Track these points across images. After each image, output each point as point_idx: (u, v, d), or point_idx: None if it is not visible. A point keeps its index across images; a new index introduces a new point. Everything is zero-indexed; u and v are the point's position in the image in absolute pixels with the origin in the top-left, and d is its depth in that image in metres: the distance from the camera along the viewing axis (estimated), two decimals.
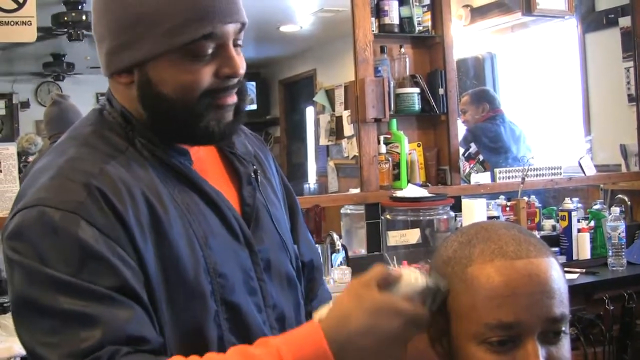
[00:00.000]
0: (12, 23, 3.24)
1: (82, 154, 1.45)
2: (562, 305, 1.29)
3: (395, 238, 3.65)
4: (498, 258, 1.30)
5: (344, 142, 5.04)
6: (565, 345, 1.32)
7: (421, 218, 3.66)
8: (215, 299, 1.47)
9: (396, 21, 4.15)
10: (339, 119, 5.29)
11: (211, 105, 1.47)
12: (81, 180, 1.38)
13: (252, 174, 1.67)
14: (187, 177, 1.52)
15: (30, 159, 6.65)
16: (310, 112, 7.66)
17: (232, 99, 1.50)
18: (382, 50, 4.17)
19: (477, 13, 5.54)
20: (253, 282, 1.56)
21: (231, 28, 1.45)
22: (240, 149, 1.69)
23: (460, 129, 4.60)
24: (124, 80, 1.49)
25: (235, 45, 1.48)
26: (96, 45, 1.52)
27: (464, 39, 5.53)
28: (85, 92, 8.36)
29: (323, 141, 6.33)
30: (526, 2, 4.49)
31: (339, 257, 3.64)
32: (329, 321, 1.29)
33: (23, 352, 2.71)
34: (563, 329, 1.30)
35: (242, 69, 1.48)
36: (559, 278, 1.31)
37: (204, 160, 1.61)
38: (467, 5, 5.53)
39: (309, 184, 7.08)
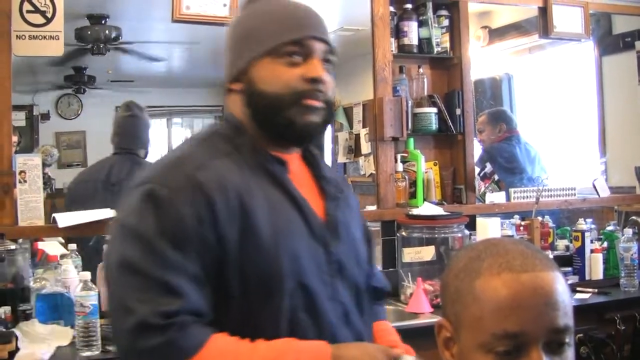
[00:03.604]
0: (40, 37, 3.31)
1: (196, 151, 1.77)
2: (566, 317, 1.34)
3: (410, 255, 3.68)
4: (505, 271, 1.35)
5: (361, 159, 5.09)
6: (569, 356, 1.36)
7: (436, 236, 3.68)
8: (293, 279, 1.72)
9: (415, 42, 4.20)
10: (357, 137, 5.34)
11: (298, 103, 1.76)
12: (187, 170, 1.67)
13: (336, 193, 1.94)
14: (279, 181, 1.79)
15: (47, 170, 6.67)
16: (328, 129, 7.70)
17: (317, 102, 1.78)
18: (401, 70, 4.22)
19: (495, 34, 5.57)
20: (324, 275, 1.80)
21: (316, 43, 1.79)
22: (327, 173, 1.96)
23: (476, 149, 4.63)
24: (237, 87, 1.83)
25: (325, 62, 1.80)
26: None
27: (482, 59, 5.55)
28: (105, 106, 8.39)
29: (341, 158, 6.35)
30: (544, 25, 4.54)
31: None
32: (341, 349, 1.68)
33: (45, 357, 2.79)
34: (567, 340, 1.34)
35: (325, 78, 1.78)
36: (563, 291, 1.36)
37: (297, 174, 1.88)
38: (485, 27, 5.56)
39: None
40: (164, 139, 8.65)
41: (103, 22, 5.69)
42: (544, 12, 4.51)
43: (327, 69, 1.81)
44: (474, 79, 5.17)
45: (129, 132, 4.40)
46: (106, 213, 3.46)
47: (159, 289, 1.57)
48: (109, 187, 4.15)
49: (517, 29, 5.42)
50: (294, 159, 1.89)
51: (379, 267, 4.09)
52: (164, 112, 8.59)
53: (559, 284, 1.36)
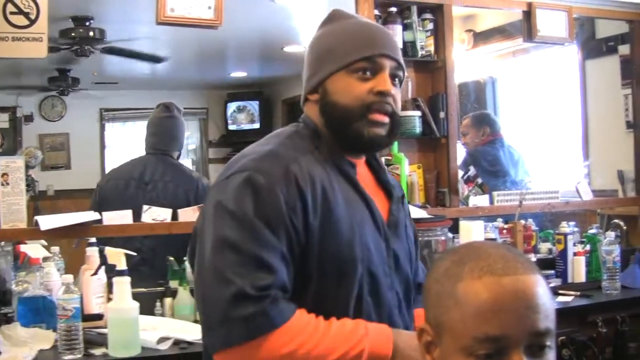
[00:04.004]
0: (23, 39, 3.29)
1: (285, 146, 1.93)
2: (547, 320, 1.34)
3: None
4: (486, 275, 1.35)
5: None
6: (550, 359, 1.36)
7: (419, 238, 3.67)
8: (363, 265, 1.92)
9: (400, 45, 4.18)
10: None
11: (365, 116, 1.94)
12: (282, 163, 1.86)
13: (400, 197, 2.19)
14: (352, 181, 2.00)
15: (30, 172, 6.66)
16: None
17: (384, 117, 1.96)
18: None
19: (480, 38, 5.59)
20: (385, 267, 2.01)
21: (386, 60, 1.97)
22: (391, 180, 2.20)
23: (460, 152, 4.64)
24: (314, 97, 2.03)
25: (392, 80, 1.98)
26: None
27: (467, 63, 5.58)
28: (89, 108, 8.42)
29: None
30: (528, 29, 4.55)
31: None
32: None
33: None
34: (548, 343, 1.34)
35: (392, 92, 1.96)
36: (544, 294, 1.36)
37: (364, 177, 2.09)
38: (470, 30, 5.58)
39: None
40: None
41: (87, 23, 5.67)
42: (528, 16, 4.52)
43: (395, 84, 1.99)
44: (458, 82, 5.18)
45: (167, 133, 4.41)
46: (90, 216, 3.46)
47: (255, 265, 1.75)
48: (142, 186, 4.22)
49: (501, 32, 5.44)
50: (360, 164, 2.10)
51: None
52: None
53: (541, 287, 1.36)
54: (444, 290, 1.40)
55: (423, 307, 1.50)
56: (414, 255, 2.20)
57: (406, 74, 2.07)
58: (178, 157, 4.47)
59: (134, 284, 3.33)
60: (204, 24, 3.61)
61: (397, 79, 2.00)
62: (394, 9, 4.18)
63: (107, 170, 8.36)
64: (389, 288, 2.01)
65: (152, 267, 3.84)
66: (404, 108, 4.19)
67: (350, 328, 1.84)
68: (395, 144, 4.11)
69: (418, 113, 4.23)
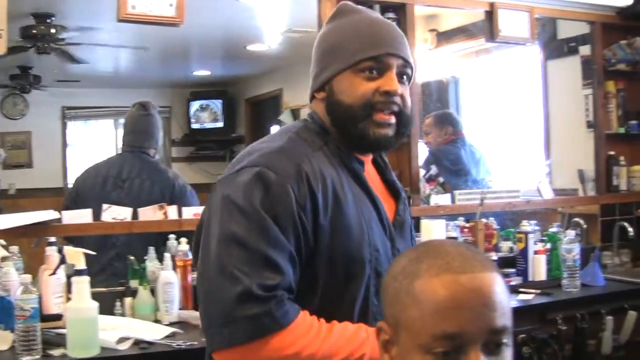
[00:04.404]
0: None
1: (295, 143, 1.91)
2: (504, 317, 1.35)
3: None
4: (444, 273, 1.35)
5: None
6: (507, 356, 1.37)
7: None
8: (371, 266, 1.91)
9: None
10: None
11: (370, 116, 1.92)
12: (294, 160, 1.84)
13: (406, 197, 2.17)
14: (360, 179, 1.98)
15: None
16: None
17: (390, 118, 1.94)
18: None
19: (443, 37, 5.61)
20: None
21: (393, 59, 1.94)
22: (394, 178, 2.18)
23: (422, 151, 4.65)
24: (320, 95, 2.01)
25: (400, 77, 1.96)
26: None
27: (430, 62, 5.60)
28: (51, 106, 8.33)
29: None
30: (490, 29, 4.58)
31: None
32: None
33: None
34: (505, 340, 1.35)
35: (400, 91, 1.94)
36: (502, 292, 1.37)
37: (370, 175, 2.07)
38: (433, 30, 5.60)
39: None
40: (110, 139, 8.59)
41: (49, 20, 5.61)
42: (490, 16, 4.54)
43: (403, 81, 1.97)
44: (421, 82, 5.22)
45: (144, 131, 4.45)
46: (49, 215, 3.43)
47: (263, 263, 1.73)
48: (119, 183, 4.24)
49: (464, 32, 5.47)
50: (368, 161, 2.09)
51: None
52: (111, 112, 8.54)
53: (498, 285, 1.37)
54: (401, 288, 1.40)
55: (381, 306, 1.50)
56: None
57: (413, 70, 2.01)
58: (154, 155, 4.50)
59: (108, 280, 3.33)
60: (166, 21, 3.59)
61: (405, 77, 1.98)
62: None
63: (69, 169, 8.32)
64: None
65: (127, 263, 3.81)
66: None
67: (352, 331, 1.83)
68: None
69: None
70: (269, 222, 1.75)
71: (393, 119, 1.95)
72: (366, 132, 1.93)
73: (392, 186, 2.15)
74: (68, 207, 3.83)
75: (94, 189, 4.19)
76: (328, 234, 1.84)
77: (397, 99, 1.94)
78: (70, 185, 7.72)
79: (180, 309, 3.51)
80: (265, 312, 1.70)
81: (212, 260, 1.77)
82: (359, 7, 2.07)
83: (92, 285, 3.01)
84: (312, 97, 2.06)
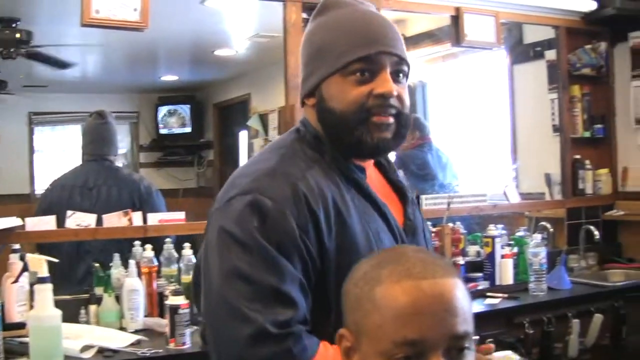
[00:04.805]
0: None
1: (288, 160, 1.77)
2: (465, 323, 1.34)
3: None
4: (405, 279, 1.34)
5: None
6: None
7: None
8: None
9: None
10: None
11: (366, 120, 1.75)
12: (289, 181, 1.69)
13: (414, 198, 2.00)
14: (362, 189, 1.83)
15: None
16: (243, 136, 7.68)
17: (388, 119, 1.77)
18: None
19: (410, 42, 5.61)
20: None
21: (386, 57, 1.76)
22: (403, 181, 2.01)
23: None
24: (310, 102, 1.84)
25: (396, 76, 1.78)
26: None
27: None
28: (17, 111, 8.27)
29: None
30: (455, 33, 4.58)
31: None
32: None
33: None
34: (466, 346, 1.34)
35: (396, 92, 1.76)
36: (463, 297, 1.36)
37: (373, 180, 1.91)
38: (401, 35, 5.60)
39: None
40: (78, 145, 8.53)
41: (13, 25, 5.56)
42: (456, 20, 4.55)
43: (399, 80, 1.79)
44: None
45: (105, 139, 4.49)
46: (12, 222, 3.39)
47: (272, 297, 1.59)
48: (86, 192, 4.26)
49: (430, 37, 5.49)
50: (369, 165, 1.92)
51: None
52: (79, 118, 8.47)
53: (459, 290, 1.36)
54: (362, 294, 1.39)
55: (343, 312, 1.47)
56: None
57: (409, 66, 1.83)
58: (114, 161, 4.57)
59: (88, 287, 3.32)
60: (130, 26, 3.57)
61: (400, 74, 1.80)
62: None
63: (36, 176, 8.25)
64: None
65: (106, 268, 3.78)
66: None
67: None
68: None
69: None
70: (272, 252, 1.61)
71: (391, 120, 1.77)
72: (363, 137, 1.76)
73: (399, 187, 1.98)
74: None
75: (61, 200, 4.18)
76: (334, 254, 1.69)
77: (394, 101, 1.76)
78: (37, 192, 7.69)
79: (145, 316, 3.48)
80: (284, 351, 1.56)
81: (215, 299, 1.64)
82: (346, 0, 1.88)
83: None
84: (303, 103, 1.89)
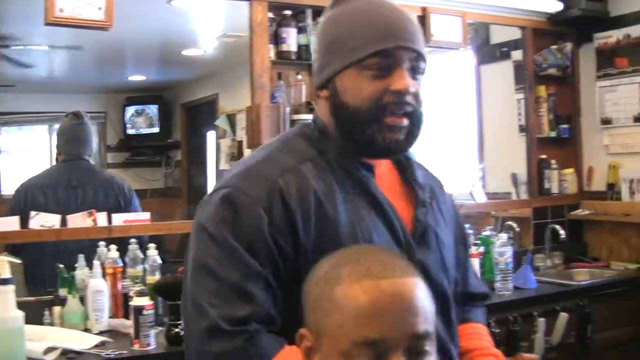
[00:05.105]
0: None
1: (279, 154, 1.76)
2: (426, 322, 1.34)
3: None
4: (365, 278, 1.33)
5: None
6: None
7: None
8: None
9: (294, 48, 4.18)
10: (240, 144, 5.30)
11: (380, 119, 1.70)
12: (270, 177, 1.68)
13: (428, 199, 1.89)
14: (364, 187, 1.77)
15: None
16: (211, 136, 7.65)
17: (402, 120, 1.71)
18: (279, 76, 4.21)
19: None
20: None
21: (404, 52, 1.69)
22: (419, 179, 1.90)
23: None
24: (323, 94, 1.79)
25: (413, 72, 1.72)
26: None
27: None
28: None
29: (224, 165, 6.34)
30: (422, 33, 4.59)
31: None
32: None
33: None
34: (427, 345, 1.34)
35: (413, 89, 1.70)
36: (424, 297, 1.36)
37: (386, 178, 1.85)
38: None
39: None
40: (45, 146, 8.47)
41: None
42: (423, 20, 4.56)
43: (416, 76, 1.73)
44: None
45: (82, 139, 4.57)
46: None
47: (232, 293, 1.58)
48: (70, 190, 4.32)
49: None
50: (382, 163, 1.85)
51: None
52: (46, 118, 8.41)
53: (420, 289, 1.36)
54: (323, 294, 1.38)
55: (315, 316, 1.43)
56: (450, 263, 1.91)
57: (426, 62, 1.76)
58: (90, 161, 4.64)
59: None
60: (95, 25, 3.55)
61: (419, 70, 1.74)
62: (288, 12, 4.17)
63: (3, 176, 8.16)
64: None
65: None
66: (297, 112, 4.18)
67: None
68: None
69: (312, 116, 4.19)
70: (239, 250, 1.60)
71: (405, 121, 1.72)
72: (375, 137, 1.70)
73: (415, 188, 1.89)
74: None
75: (45, 198, 4.24)
76: (312, 253, 1.62)
77: (410, 98, 1.70)
78: (4, 193, 7.60)
79: (110, 317, 3.46)
80: (235, 348, 1.55)
81: (187, 292, 1.67)
82: None
83: None
84: (317, 95, 1.84)
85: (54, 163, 4.66)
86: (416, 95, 1.71)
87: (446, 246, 1.89)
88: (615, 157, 5.12)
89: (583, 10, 4.95)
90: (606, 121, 5.14)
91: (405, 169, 1.90)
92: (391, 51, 1.68)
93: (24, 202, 4.27)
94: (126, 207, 4.28)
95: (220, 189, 1.69)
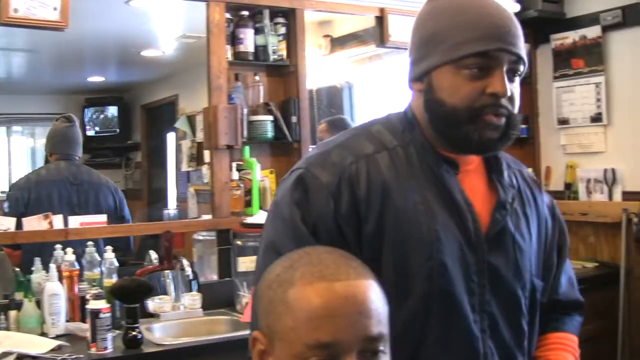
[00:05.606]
0: None
1: (355, 142, 1.75)
2: (380, 325, 1.33)
3: (245, 264, 3.67)
4: (318, 280, 1.33)
5: (204, 168, 5.04)
6: None
7: None
8: (431, 283, 1.67)
9: (251, 49, 4.19)
10: (200, 145, 5.29)
11: (476, 118, 1.67)
12: (342, 163, 1.69)
13: (510, 201, 1.83)
14: (443, 183, 1.74)
15: None
16: (171, 137, 7.61)
17: (497, 119, 1.68)
18: (237, 77, 4.21)
19: (337, 43, 5.63)
20: (473, 284, 1.72)
21: (504, 55, 1.66)
22: (506, 179, 1.85)
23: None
24: (418, 87, 1.77)
25: (511, 75, 1.69)
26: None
27: (324, 68, 5.60)
28: None
29: (184, 167, 6.31)
30: (380, 34, 4.62)
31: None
32: None
33: None
34: (381, 348, 1.34)
35: (509, 92, 1.67)
36: (377, 299, 1.36)
37: (471, 176, 1.80)
38: (327, 35, 5.61)
39: (168, 209, 7.02)
40: (3, 147, 8.39)
41: None
42: (381, 21, 4.58)
43: (513, 79, 1.71)
44: (316, 87, 5.21)
45: (73, 140, 4.74)
46: None
47: None
48: (73, 187, 4.51)
49: (356, 38, 5.50)
50: (471, 161, 1.81)
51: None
52: (3, 119, 8.33)
53: (373, 292, 1.36)
54: (276, 296, 1.37)
55: (255, 317, 1.44)
56: (527, 269, 1.83)
57: (525, 64, 1.73)
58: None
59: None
60: (50, 25, 3.52)
61: (516, 73, 1.71)
62: (245, 13, 4.17)
63: None
64: (474, 310, 1.72)
65: None
66: (255, 113, 4.18)
67: None
68: (247, 149, 4.11)
69: (270, 117, 4.23)
70: (305, 233, 1.64)
71: (502, 120, 1.69)
72: (471, 135, 1.68)
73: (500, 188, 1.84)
74: (24, 214, 3.89)
75: (51, 194, 4.40)
76: (374, 244, 1.65)
77: (505, 102, 1.67)
78: None
79: (67, 320, 3.43)
80: None
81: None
82: None
83: None
84: (410, 86, 1.82)
85: (43, 164, 4.89)
86: (512, 99, 1.69)
87: (524, 251, 1.83)
88: (572, 157, 5.17)
89: (540, 12, 4.99)
90: (563, 121, 5.18)
91: (494, 167, 1.85)
92: (492, 53, 1.66)
93: (27, 199, 4.36)
94: (120, 208, 4.53)
95: (296, 169, 1.73)
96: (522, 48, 1.71)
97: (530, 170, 4.73)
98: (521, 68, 1.71)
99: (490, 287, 1.73)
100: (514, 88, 1.70)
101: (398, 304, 1.63)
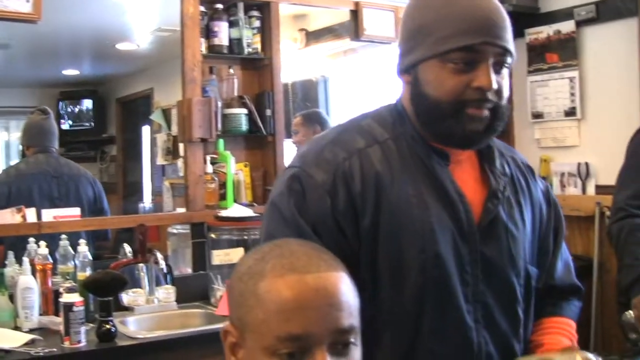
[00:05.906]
0: None
1: (346, 138, 1.76)
2: (350, 317, 1.34)
3: (219, 257, 3.66)
4: (288, 273, 1.33)
5: (179, 161, 5.04)
6: (355, 356, 1.36)
7: (246, 237, 3.69)
8: (425, 275, 1.68)
9: (226, 42, 4.19)
10: (176, 139, 5.28)
11: (460, 112, 1.67)
12: (335, 160, 1.70)
13: (502, 189, 1.82)
14: (434, 175, 1.74)
15: None
16: (147, 131, 7.59)
17: (482, 112, 1.68)
18: (211, 70, 4.20)
19: (312, 37, 5.63)
20: (467, 275, 1.73)
21: (490, 48, 1.66)
22: (498, 168, 1.85)
23: (289, 150, 4.64)
24: (406, 79, 1.76)
25: (498, 67, 1.68)
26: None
27: (299, 61, 5.61)
28: None
29: (160, 160, 6.30)
30: (355, 28, 4.63)
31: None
32: None
33: None
34: (352, 340, 1.34)
35: (495, 85, 1.67)
36: (348, 291, 1.36)
37: (463, 167, 1.81)
38: (302, 29, 5.62)
39: (144, 203, 7.00)
40: None
41: None
42: (355, 15, 4.59)
43: (500, 71, 1.69)
44: (291, 81, 5.21)
45: (49, 132, 4.77)
46: None
47: None
48: (53, 180, 4.54)
49: (331, 32, 5.50)
50: (457, 152, 1.79)
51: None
52: None
53: (344, 284, 1.36)
54: (246, 289, 1.37)
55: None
56: (521, 256, 1.83)
57: (513, 56, 1.71)
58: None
59: None
60: (22, 18, 3.50)
61: (503, 65, 1.70)
62: (220, 6, 4.17)
63: None
64: (468, 300, 1.73)
65: None
66: (229, 106, 4.18)
67: None
68: (221, 142, 4.10)
69: (244, 111, 4.23)
70: (307, 229, 1.64)
71: (486, 113, 1.68)
72: (454, 128, 1.68)
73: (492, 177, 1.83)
74: (4, 209, 3.90)
75: (32, 187, 4.41)
76: (370, 237, 1.67)
77: (491, 95, 1.67)
78: None
79: (40, 314, 3.41)
80: None
81: None
82: None
83: None
84: (399, 78, 1.81)
85: (19, 157, 4.96)
86: (498, 91, 1.69)
87: (517, 239, 1.83)
88: (546, 151, 5.19)
89: (514, 6, 5.00)
90: (537, 115, 5.20)
91: (487, 157, 1.85)
92: (477, 47, 1.65)
93: (7, 193, 4.35)
94: (99, 200, 4.56)
95: (291, 167, 1.75)
96: (509, 40, 1.70)
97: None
98: (509, 60, 1.70)
99: (484, 277, 1.74)
100: (502, 79, 1.70)
101: (393, 296, 1.68)
